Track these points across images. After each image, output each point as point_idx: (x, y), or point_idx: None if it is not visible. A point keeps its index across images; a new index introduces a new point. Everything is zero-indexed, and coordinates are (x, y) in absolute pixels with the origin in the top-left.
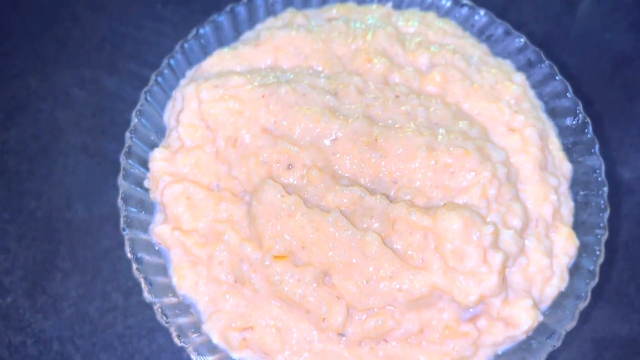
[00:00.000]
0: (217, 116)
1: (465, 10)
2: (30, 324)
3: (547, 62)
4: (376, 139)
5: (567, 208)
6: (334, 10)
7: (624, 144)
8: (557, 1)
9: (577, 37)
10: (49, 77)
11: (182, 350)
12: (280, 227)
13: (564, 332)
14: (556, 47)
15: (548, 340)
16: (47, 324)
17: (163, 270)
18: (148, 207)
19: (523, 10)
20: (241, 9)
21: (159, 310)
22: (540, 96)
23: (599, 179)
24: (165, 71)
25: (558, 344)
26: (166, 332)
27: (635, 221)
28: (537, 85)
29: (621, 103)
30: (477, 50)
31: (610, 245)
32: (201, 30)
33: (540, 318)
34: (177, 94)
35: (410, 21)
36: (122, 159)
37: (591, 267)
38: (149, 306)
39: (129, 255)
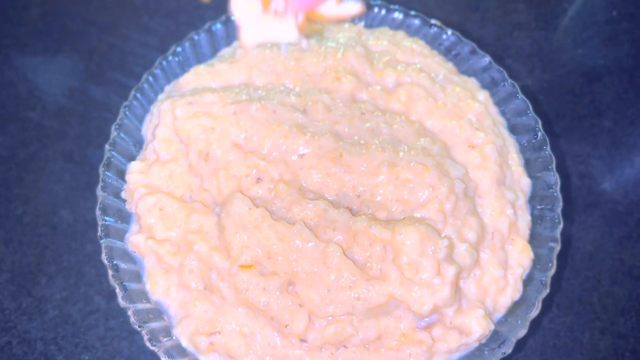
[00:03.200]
0: (189, 132)
1: (434, 30)
2: (15, 325)
3: (509, 81)
4: (341, 155)
5: (524, 222)
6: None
7: (591, 157)
8: (532, 18)
9: (551, 53)
10: (38, 86)
11: None
12: (247, 238)
13: (514, 340)
14: (530, 62)
15: (500, 347)
16: (31, 325)
17: (137, 277)
18: (125, 216)
19: (500, 26)
20: (219, 27)
21: (132, 315)
22: (503, 113)
23: (555, 194)
24: (145, 86)
25: (509, 351)
26: None
27: (600, 232)
28: (501, 103)
29: (590, 118)
30: (443, 68)
31: (575, 255)
32: (179, 49)
33: (492, 327)
34: (154, 109)
35: (380, 40)
36: (101, 171)
37: (544, 279)
38: None
39: (105, 262)
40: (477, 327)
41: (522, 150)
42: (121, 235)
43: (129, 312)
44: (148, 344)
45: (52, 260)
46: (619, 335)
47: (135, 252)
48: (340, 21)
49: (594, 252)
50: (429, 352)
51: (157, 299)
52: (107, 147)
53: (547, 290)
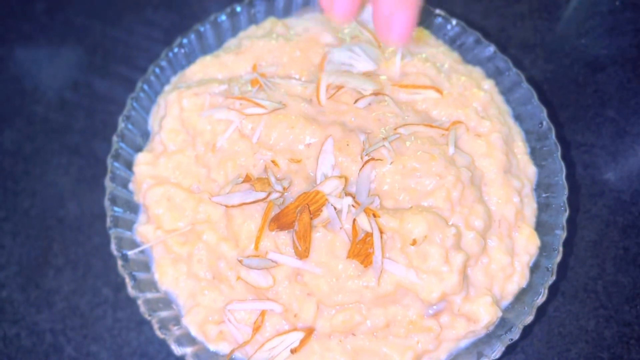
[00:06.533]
0: (196, 123)
1: (438, 20)
2: (24, 317)
3: (514, 70)
4: (347, 145)
5: (530, 209)
6: (313, 20)
7: (595, 147)
8: (535, 8)
9: (554, 43)
10: (43, 80)
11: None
12: (254, 227)
13: (521, 327)
14: (533, 53)
15: (507, 334)
16: (40, 317)
17: (146, 266)
18: (133, 207)
19: (503, 17)
20: (224, 19)
21: (142, 304)
22: (508, 102)
23: (560, 182)
24: (151, 78)
25: (516, 337)
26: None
27: (604, 221)
28: (506, 92)
29: (594, 108)
30: (449, 58)
31: (580, 244)
32: (185, 40)
33: (499, 314)
34: (160, 100)
35: None
36: (109, 162)
37: (549, 265)
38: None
39: (114, 252)
40: (485, 314)
41: (528, 138)
42: (129, 225)
43: (139, 302)
44: (158, 333)
45: (60, 252)
46: (624, 323)
47: (143, 242)
48: None
49: (599, 241)
50: (437, 339)
51: (166, 289)
52: (114, 138)
53: (554, 277)
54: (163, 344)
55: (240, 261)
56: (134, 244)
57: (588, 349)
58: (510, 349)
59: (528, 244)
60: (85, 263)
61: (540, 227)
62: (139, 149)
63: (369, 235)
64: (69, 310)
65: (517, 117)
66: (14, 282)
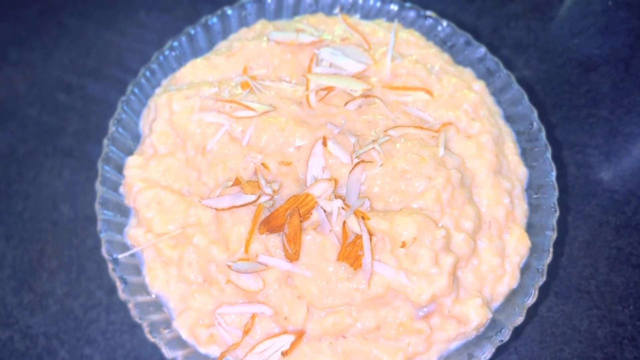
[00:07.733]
0: (186, 126)
1: (429, 21)
2: (18, 320)
3: (505, 71)
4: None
5: (521, 210)
6: (304, 22)
7: (588, 147)
8: (529, 8)
9: (547, 43)
10: (37, 83)
11: None
12: (244, 230)
13: (511, 328)
14: (526, 53)
15: (497, 335)
16: (33, 320)
17: (137, 270)
18: (124, 210)
19: (496, 17)
20: (215, 21)
21: (133, 308)
22: (499, 103)
23: (551, 183)
24: (142, 81)
25: (506, 338)
26: None
27: (597, 221)
28: (497, 93)
29: (587, 107)
30: (439, 59)
31: (573, 244)
32: (175, 43)
33: (489, 316)
34: (151, 103)
35: (376, 32)
36: (100, 165)
37: (540, 267)
38: None
39: (105, 256)
40: (475, 316)
41: (519, 139)
42: (120, 229)
43: (130, 305)
44: (149, 336)
45: (53, 255)
46: (617, 323)
47: (134, 245)
48: None
49: (592, 241)
50: (427, 341)
51: (157, 292)
52: (105, 142)
53: (544, 278)
54: (156, 347)
55: (229, 266)
56: (124, 248)
57: (581, 349)
58: (503, 350)
59: (518, 245)
60: (78, 266)
61: (531, 228)
62: (129, 152)
63: (358, 237)
64: (62, 313)
65: (508, 118)
66: (7, 285)
